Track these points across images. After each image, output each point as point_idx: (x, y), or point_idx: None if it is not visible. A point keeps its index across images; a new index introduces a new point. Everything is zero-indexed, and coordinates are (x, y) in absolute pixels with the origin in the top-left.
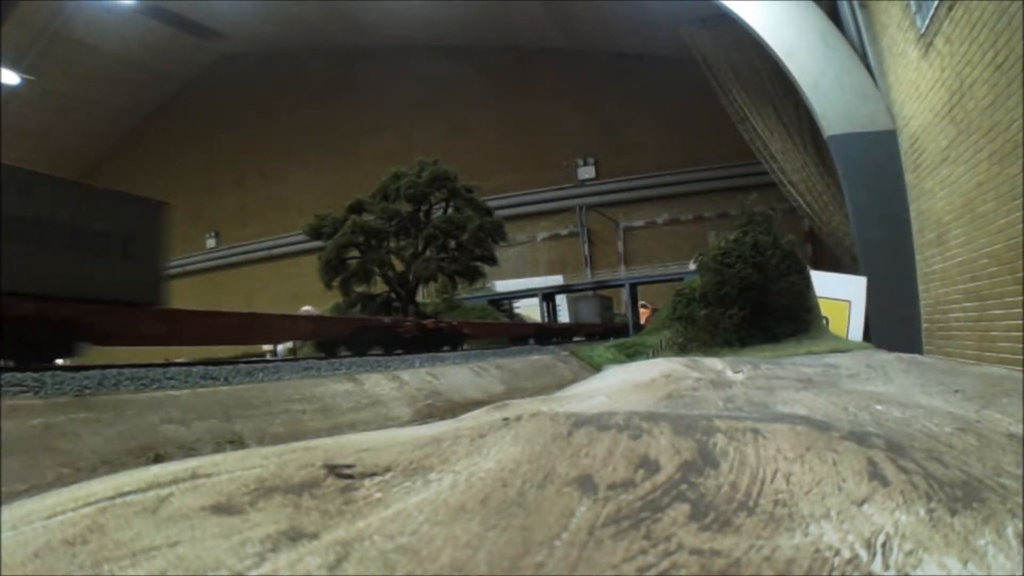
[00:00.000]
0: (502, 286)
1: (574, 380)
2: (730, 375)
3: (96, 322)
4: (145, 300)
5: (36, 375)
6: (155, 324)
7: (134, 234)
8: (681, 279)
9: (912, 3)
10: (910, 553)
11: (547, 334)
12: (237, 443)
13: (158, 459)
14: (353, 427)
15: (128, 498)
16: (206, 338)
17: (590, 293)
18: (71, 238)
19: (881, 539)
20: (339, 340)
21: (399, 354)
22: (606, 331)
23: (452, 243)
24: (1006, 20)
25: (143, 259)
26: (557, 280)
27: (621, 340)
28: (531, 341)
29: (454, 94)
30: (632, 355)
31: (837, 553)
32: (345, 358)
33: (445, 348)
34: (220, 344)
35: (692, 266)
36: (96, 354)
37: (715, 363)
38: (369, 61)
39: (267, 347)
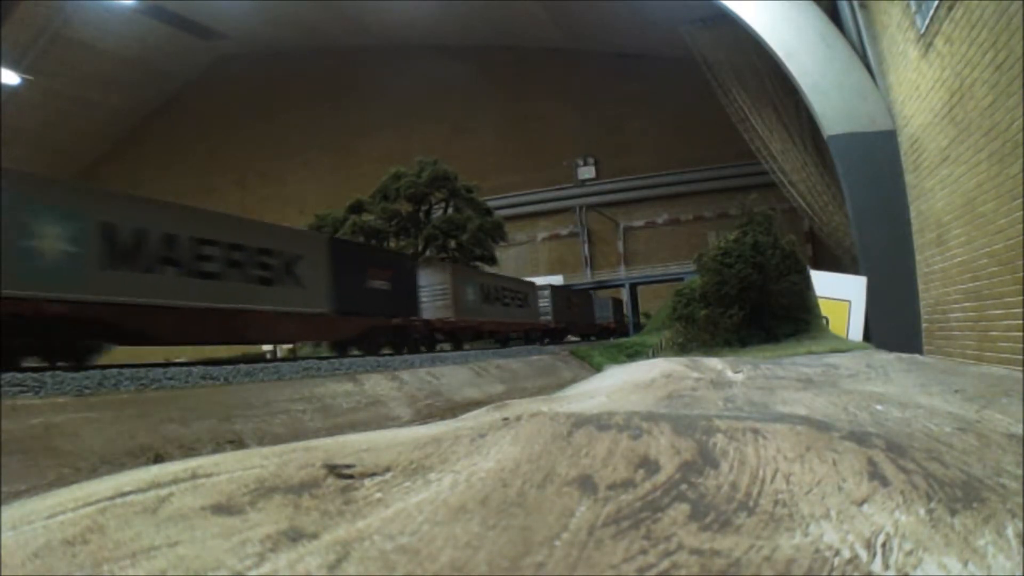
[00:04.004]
0: None
1: (574, 380)
2: (730, 375)
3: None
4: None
5: (36, 375)
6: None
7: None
8: (681, 279)
9: (912, 3)
10: (910, 553)
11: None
12: (237, 443)
13: (158, 459)
14: (353, 427)
15: (128, 498)
16: None
17: None
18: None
19: (881, 539)
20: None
21: (402, 354)
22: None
23: (452, 243)
24: (1006, 20)
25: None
26: (557, 280)
27: (621, 340)
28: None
29: (454, 94)
30: (632, 355)
31: (837, 553)
32: (346, 358)
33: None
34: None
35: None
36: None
37: (715, 363)
38: (369, 61)
39: (267, 347)
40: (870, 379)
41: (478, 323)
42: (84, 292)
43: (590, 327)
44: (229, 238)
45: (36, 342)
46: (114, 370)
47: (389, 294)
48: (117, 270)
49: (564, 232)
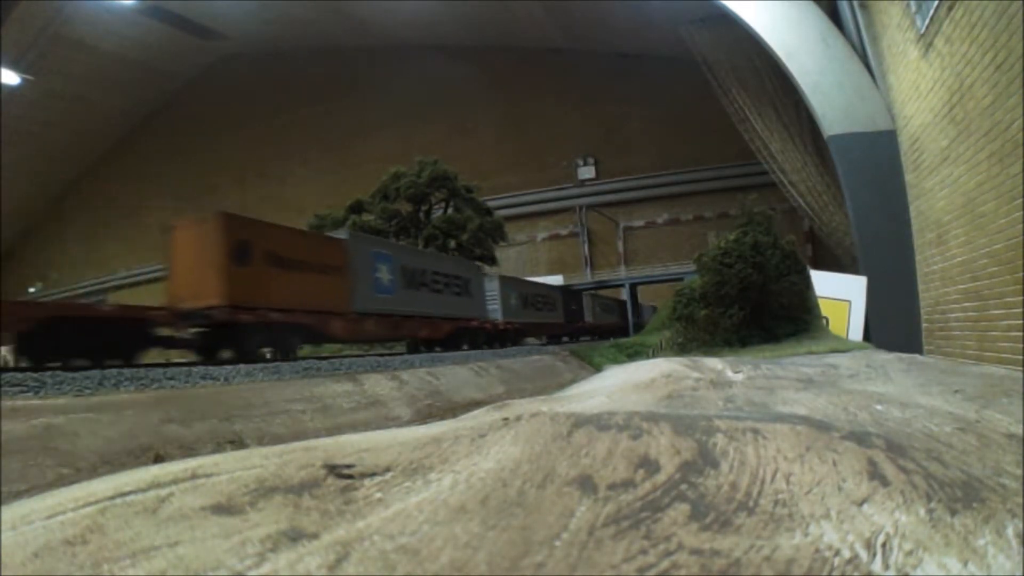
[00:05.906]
0: None
1: (574, 380)
2: (730, 375)
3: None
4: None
5: (36, 375)
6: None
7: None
8: (681, 279)
9: (912, 3)
10: (910, 553)
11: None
12: (237, 443)
13: (158, 459)
14: (353, 427)
15: (128, 498)
16: None
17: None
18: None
19: (881, 539)
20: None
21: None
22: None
23: (452, 243)
24: (1006, 20)
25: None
26: (557, 280)
27: (621, 340)
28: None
29: (454, 94)
30: (632, 355)
31: (837, 553)
32: (346, 358)
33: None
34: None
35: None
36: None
37: (715, 363)
38: (369, 61)
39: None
40: (870, 379)
41: (600, 324)
42: (520, 318)
43: (638, 326)
44: (544, 292)
45: (509, 338)
46: (114, 370)
47: (576, 310)
48: (525, 308)
49: (564, 232)
